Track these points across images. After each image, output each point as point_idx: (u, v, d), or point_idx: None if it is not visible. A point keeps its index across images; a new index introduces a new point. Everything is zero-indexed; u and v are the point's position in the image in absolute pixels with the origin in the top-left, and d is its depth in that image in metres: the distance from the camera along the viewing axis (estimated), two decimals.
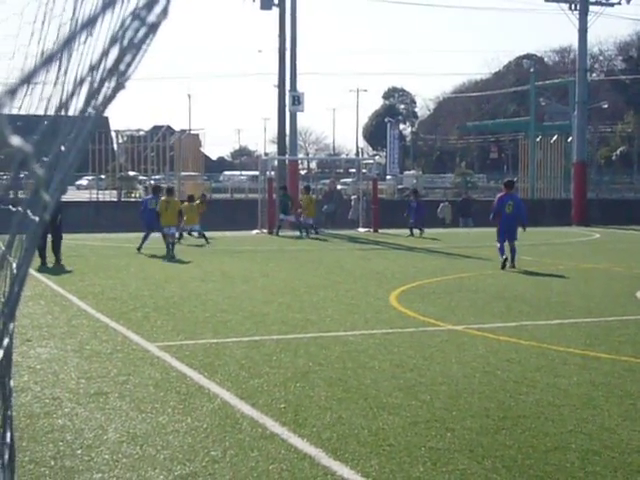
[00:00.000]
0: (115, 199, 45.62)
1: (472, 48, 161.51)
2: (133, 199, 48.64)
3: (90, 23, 1.33)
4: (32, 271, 19.01)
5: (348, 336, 11.55)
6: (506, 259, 20.48)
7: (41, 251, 21.44)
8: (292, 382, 8.85)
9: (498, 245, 20.92)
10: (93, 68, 1.38)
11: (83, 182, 67.07)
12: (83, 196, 49.85)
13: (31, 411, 7.72)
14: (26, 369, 9.39)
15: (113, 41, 1.33)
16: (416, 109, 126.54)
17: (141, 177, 54.03)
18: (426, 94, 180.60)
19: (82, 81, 1.45)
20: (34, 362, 9.76)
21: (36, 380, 8.89)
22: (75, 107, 1.63)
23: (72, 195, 54.46)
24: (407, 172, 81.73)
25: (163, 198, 24.91)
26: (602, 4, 45.14)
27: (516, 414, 7.77)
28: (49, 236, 20.41)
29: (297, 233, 32.54)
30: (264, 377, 9.07)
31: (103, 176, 48.99)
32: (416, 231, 32.73)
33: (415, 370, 9.49)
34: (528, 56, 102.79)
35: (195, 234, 29.30)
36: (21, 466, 6.25)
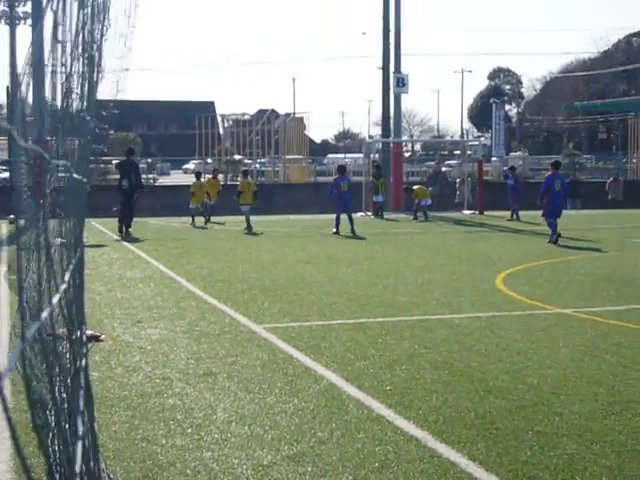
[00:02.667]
0: (222, 182, 46.12)
1: (580, 26, 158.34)
2: (239, 182, 49.18)
3: None
4: (143, 254, 19.45)
5: (454, 319, 11.50)
6: (560, 235, 21.92)
7: (120, 222, 25.34)
8: (398, 365, 8.87)
9: (550, 222, 22.54)
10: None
11: (190, 166, 68.15)
12: (190, 180, 50.64)
13: (143, 390, 7.92)
14: (137, 350, 9.62)
15: None
16: (522, 89, 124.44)
17: (246, 160, 54.59)
18: (532, 74, 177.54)
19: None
20: (145, 343, 9.99)
21: (147, 360, 9.10)
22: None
23: (179, 179, 55.43)
24: (513, 154, 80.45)
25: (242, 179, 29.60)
26: None
27: (626, 399, 7.63)
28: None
29: (401, 216, 32.38)
30: (370, 359, 9.10)
31: (209, 160, 49.64)
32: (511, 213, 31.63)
33: (522, 353, 9.40)
34: (638, 34, 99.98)
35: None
36: (133, 444, 6.43)
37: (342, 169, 28.28)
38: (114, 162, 56.97)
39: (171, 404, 7.48)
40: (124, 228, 25.25)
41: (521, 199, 31.61)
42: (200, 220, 29.07)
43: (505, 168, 52.16)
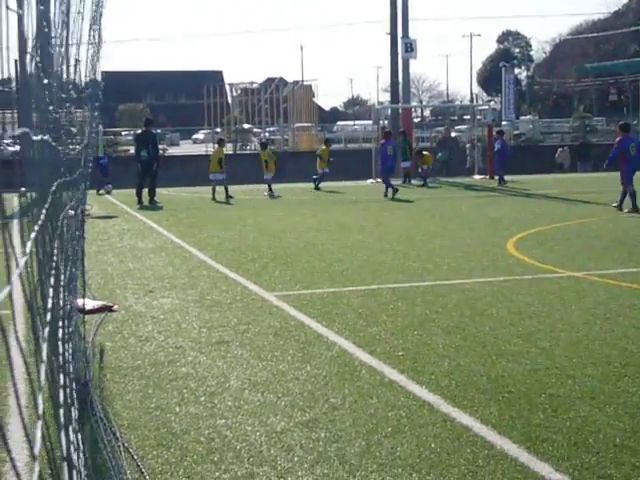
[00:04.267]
0: (231, 152, 46.06)
1: None
2: (248, 151, 49.13)
3: None
4: (154, 225, 19.48)
5: (465, 284, 11.49)
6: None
7: (138, 192, 25.77)
8: (409, 330, 8.87)
9: (630, 188, 20.81)
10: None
11: (199, 136, 68.15)
12: (199, 149, 50.61)
13: (156, 359, 7.94)
14: (150, 319, 9.65)
15: None
16: (531, 52, 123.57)
17: (255, 129, 54.49)
18: (542, 36, 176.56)
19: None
20: (157, 312, 10.02)
21: (159, 330, 9.13)
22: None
23: (188, 149, 55.43)
24: (523, 117, 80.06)
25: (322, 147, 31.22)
26: None
27: (639, 361, 7.62)
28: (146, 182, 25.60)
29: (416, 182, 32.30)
30: (381, 325, 9.11)
31: (218, 129, 49.55)
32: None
33: (534, 317, 9.40)
34: None
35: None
36: (147, 412, 6.46)
37: (388, 134, 28.54)
38: (123, 133, 57.08)
39: (184, 373, 7.51)
40: (143, 198, 25.42)
41: (506, 163, 31.42)
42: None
43: (515, 133, 51.91)
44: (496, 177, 32.39)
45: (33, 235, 2.55)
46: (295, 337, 8.69)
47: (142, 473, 5.34)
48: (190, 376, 7.40)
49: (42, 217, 3.08)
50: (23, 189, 4.13)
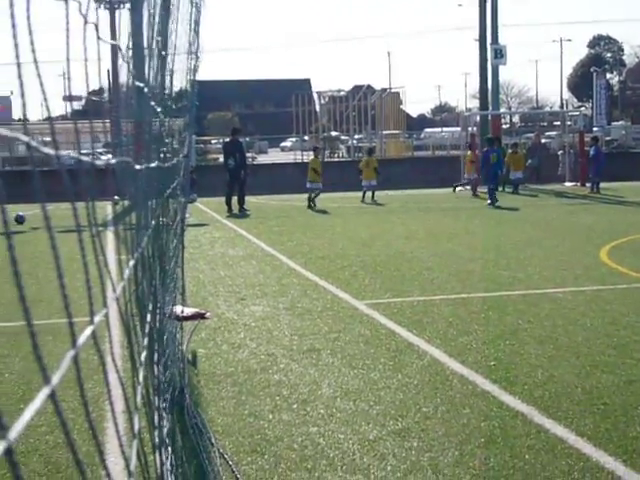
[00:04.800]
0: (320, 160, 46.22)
1: None
2: (336, 159, 49.31)
3: None
4: (244, 232, 19.70)
5: (557, 293, 11.36)
6: None
7: (227, 200, 26.08)
8: (501, 340, 8.82)
9: None
10: None
11: (287, 144, 68.61)
12: (288, 157, 50.95)
13: (248, 367, 8.04)
14: (242, 326, 9.77)
15: None
16: (624, 57, 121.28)
17: (343, 137, 54.61)
18: (634, 41, 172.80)
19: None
20: (249, 320, 10.14)
21: (252, 337, 9.24)
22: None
23: (276, 157, 55.83)
24: (615, 123, 78.73)
25: (364, 158, 29.37)
26: None
27: None
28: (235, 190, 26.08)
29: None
30: (473, 334, 9.07)
31: (306, 137, 49.81)
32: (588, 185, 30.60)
33: (629, 328, 9.24)
34: None
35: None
36: (241, 419, 6.55)
37: (492, 141, 28.37)
38: (212, 141, 57.80)
39: (276, 380, 7.59)
40: (233, 206, 25.78)
41: (601, 171, 30.75)
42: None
43: (607, 139, 51.07)
44: (588, 184, 31.86)
45: (136, 254, 2.62)
46: (386, 345, 8.71)
47: (237, 479, 5.42)
48: (282, 383, 7.47)
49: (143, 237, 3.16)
50: (117, 197, 4.24)
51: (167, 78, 7.43)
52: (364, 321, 9.91)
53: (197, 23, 7.85)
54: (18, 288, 1.13)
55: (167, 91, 7.29)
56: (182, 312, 8.25)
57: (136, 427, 2.14)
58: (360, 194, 28.89)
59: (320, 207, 26.66)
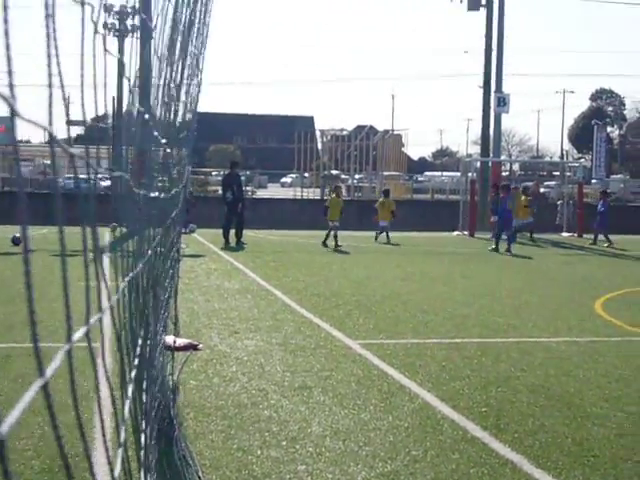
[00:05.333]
0: (318, 197, 46.35)
1: None
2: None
3: None
4: (240, 266, 19.68)
5: (551, 342, 11.34)
6: None
7: (225, 233, 25.97)
8: (493, 386, 8.79)
9: None
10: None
11: (287, 180, 68.82)
12: (287, 193, 51.05)
13: (239, 401, 8.00)
14: (234, 360, 9.74)
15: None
16: (625, 111, 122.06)
17: (344, 176, 54.76)
18: (636, 96, 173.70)
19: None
20: (242, 354, 10.10)
21: (244, 371, 9.20)
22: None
23: (276, 192, 55.94)
24: (614, 176, 79.09)
25: (380, 199, 30.15)
26: None
27: None
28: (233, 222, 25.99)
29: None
30: (465, 380, 9.04)
31: (307, 174, 49.97)
32: (601, 237, 30.18)
33: (621, 380, 9.23)
34: None
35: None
36: (229, 453, 6.51)
37: (507, 188, 28.40)
38: (213, 173, 57.94)
39: (267, 416, 7.55)
40: (230, 239, 25.76)
41: (606, 224, 30.67)
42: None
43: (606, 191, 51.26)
44: (590, 235, 31.88)
45: (127, 278, 2.62)
46: (378, 386, 8.68)
47: None
48: (272, 419, 7.44)
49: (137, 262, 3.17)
50: (114, 224, 4.25)
51: (171, 108, 7.48)
52: (357, 361, 9.88)
53: (200, 53, 7.91)
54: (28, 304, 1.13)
55: (170, 121, 7.33)
56: (174, 342, 8.23)
57: (122, 437, 2.13)
58: (372, 233, 29.16)
59: (316, 244, 26.68)
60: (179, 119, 7.63)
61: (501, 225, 26.96)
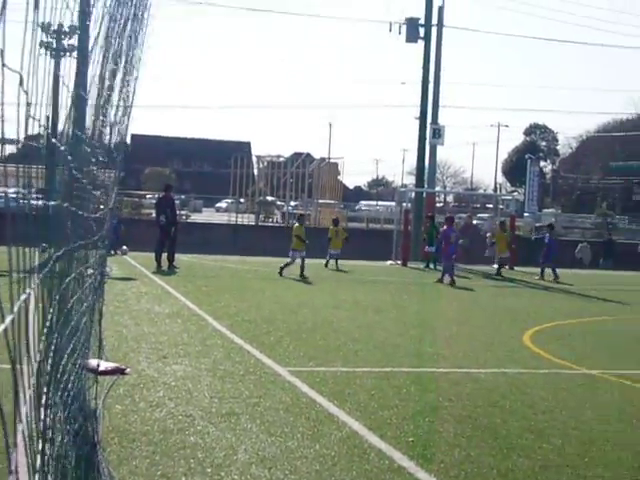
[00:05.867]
0: (253, 223, 46.31)
1: (618, 87, 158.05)
2: (270, 224, 49.37)
3: None
4: (172, 290, 19.51)
5: (480, 373, 11.42)
6: None
7: (157, 256, 25.78)
8: (421, 416, 8.80)
9: None
10: None
11: (222, 205, 68.59)
12: (222, 218, 50.87)
13: (165, 426, 7.89)
14: (161, 385, 9.61)
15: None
16: (558, 147, 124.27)
17: (279, 202, 54.79)
18: (569, 132, 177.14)
19: None
20: (169, 379, 9.98)
21: (171, 397, 9.09)
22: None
23: (211, 217, 55.70)
24: (546, 210, 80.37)
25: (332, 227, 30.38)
26: None
27: None
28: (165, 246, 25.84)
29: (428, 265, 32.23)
30: (393, 409, 9.04)
31: (242, 200, 49.88)
32: (548, 271, 30.65)
33: (547, 412, 9.31)
34: None
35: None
36: None
37: (451, 220, 28.50)
38: (147, 196, 57.53)
39: (192, 442, 7.45)
40: (162, 262, 25.53)
41: (553, 257, 31.15)
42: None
43: (537, 225, 52.05)
44: (514, 267, 32.23)
45: (23, 296, 2.57)
46: (306, 414, 8.63)
47: None
48: (198, 446, 7.34)
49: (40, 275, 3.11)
50: (44, 245, 4.16)
51: (105, 129, 7.40)
52: (286, 388, 9.83)
53: (132, 75, 7.85)
54: None
55: (104, 142, 7.25)
56: (98, 366, 8.09)
57: (12, 465, 2.07)
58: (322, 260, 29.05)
59: (248, 270, 26.59)
60: (112, 140, 7.55)
61: (444, 256, 26.85)
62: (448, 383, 10.58)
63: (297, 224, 26.92)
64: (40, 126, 3.08)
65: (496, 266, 31.33)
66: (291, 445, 7.51)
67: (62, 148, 4.46)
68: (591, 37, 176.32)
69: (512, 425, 8.66)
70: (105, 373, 9.57)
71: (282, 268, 25.24)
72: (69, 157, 4.96)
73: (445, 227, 28.10)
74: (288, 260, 25.62)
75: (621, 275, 34.78)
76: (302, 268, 25.15)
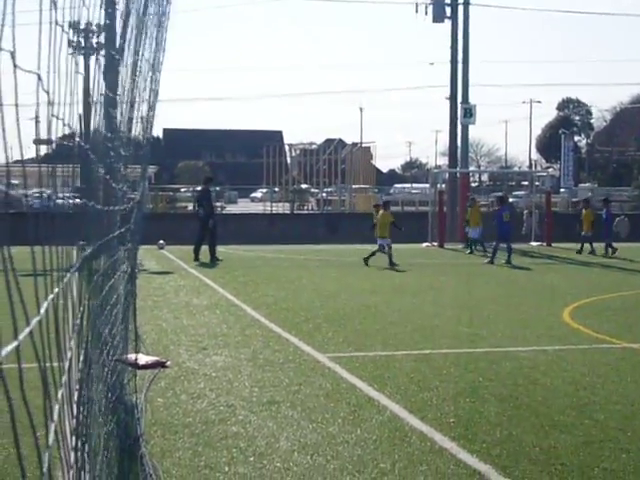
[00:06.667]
0: (288, 211, 46.40)
1: None
2: (305, 211, 49.44)
3: None
4: (209, 282, 19.62)
5: (519, 352, 11.38)
6: None
7: (196, 250, 25.70)
8: (462, 397, 8.80)
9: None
10: None
11: (257, 194, 68.78)
12: (257, 208, 51.03)
13: (207, 417, 7.96)
14: (202, 376, 9.69)
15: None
16: (592, 120, 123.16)
17: (313, 190, 54.84)
18: (602, 105, 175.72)
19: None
20: (210, 370, 10.06)
21: (212, 387, 9.16)
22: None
23: (246, 207, 55.90)
24: (582, 185, 79.77)
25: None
26: None
27: None
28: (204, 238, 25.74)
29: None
30: (433, 391, 9.05)
31: (277, 189, 50.01)
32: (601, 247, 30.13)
33: (588, 388, 9.27)
34: None
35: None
36: (196, 470, 6.47)
37: (503, 199, 28.19)
38: (182, 190, 57.84)
39: (234, 432, 7.51)
40: (200, 255, 25.55)
41: (610, 233, 30.69)
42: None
43: (574, 200, 51.63)
44: (551, 244, 31.98)
45: (51, 295, 2.60)
46: (346, 400, 8.66)
47: None
48: (240, 435, 7.40)
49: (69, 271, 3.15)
50: (82, 242, 4.21)
51: (134, 125, 7.47)
52: (325, 374, 9.87)
53: (156, 73, 7.91)
54: None
55: (131, 138, 7.32)
56: (136, 360, 8.18)
57: (45, 466, 2.10)
58: (343, 247, 29.00)
59: (285, 258, 26.65)
60: (139, 136, 7.61)
61: (499, 236, 26.59)
62: (487, 363, 10.57)
63: (383, 211, 26.10)
64: (65, 125, 3.12)
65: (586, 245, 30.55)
66: (332, 431, 7.55)
67: (89, 147, 4.51)
68: (622, 7, 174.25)
69: (553, 402, 8.63)
70: (146, 367, 9.68)
71: (367, 258, 24.70)
72: (102, 154, 5.02)
73: (498, 207, 27.68)
74: (375, 249, 25.15)
75: None
76: (390, 256, 24.69)
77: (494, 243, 26.65)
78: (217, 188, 57.43)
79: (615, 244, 30.58)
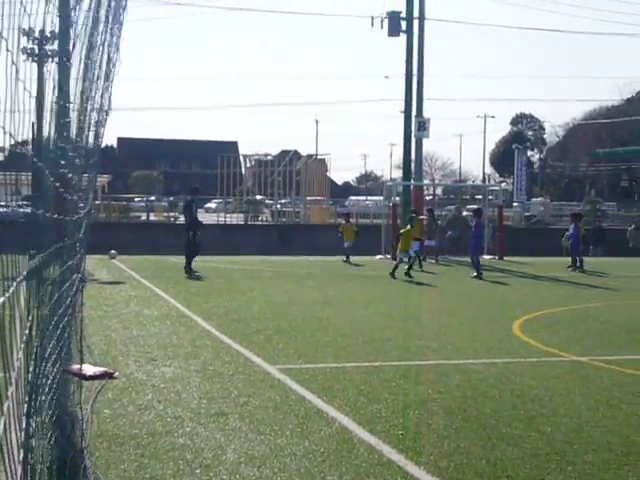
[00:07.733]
0: (242, 222, 46.31)
1: (603, 74, 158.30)
2: (259, 222, 49.36)
3: None
4: (160, 292, 19.48)
5: (469, 364, 11.43)
6: None
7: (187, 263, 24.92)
8: (411, 409, 8.81)
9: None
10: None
11: (211, 205, 68.52)
12: (211, 219, 50.83)
13: (153, 429, 7.88)
14: (150, 388, 9.60)
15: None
16: (545, 135, 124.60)
17: (268, 201, 54.80)
18: (555, 120, 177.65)
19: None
20: (158, 381, 9.97)
21: (159, 399, 9.07)
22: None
23: (200, 218, 55.67)
24: (534, 199, 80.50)
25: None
26: None
27: None
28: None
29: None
30: (382, 403, 9.04)
31: (231, 199, 49.87)
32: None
33: (536, 401, 9.32)
34: None
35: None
36: None
37: (480, 212, 28.19)
38: (136, 199, 57.49)
39: (181, 443, 7.44)
40: (198, 267, 25.17)
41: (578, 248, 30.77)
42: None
43: (525, 214, 52.10)
44: (503, 257, 32.20)
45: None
46: (295, 412, 8.63)
47: None
48: (187, 447, 7.33)
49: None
50: (33, 251, 4.14)
51: (85, 134, 7.40)
52: (275, 386, 9.82)
53: (109, 79, 7.84)
54: None
55: (83, 146, 7.24)
56: (82, 370, 8.08)
57: None
58: (295, 258, 29.00)
59: (237, 269, 26.55)
60: (89, 144, 7.54)
61: (476, 248, 26.62)
62: (437, 375, 10.59)
63: (409, 226, 26.41)
64: (15, 133, 3.07)
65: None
66: (280, 443, 7.51)
67: (39, 155, 4.45)
68: (574, 25, 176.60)
69: (501, 415, 8.67)
70: (94, 378, 9.57)
71: (394, 270, 24.95)
72: (54, 163, 4.95)
73: (475, 221, 27.54)
74: (398, 262, 25.61)
75: (610, 262, 34.83)
76: (409, 267, 25.23)
77: (470, 258, 26.72)
78: (170, 198, 57.16)
79: (569, 258, 30.82)
